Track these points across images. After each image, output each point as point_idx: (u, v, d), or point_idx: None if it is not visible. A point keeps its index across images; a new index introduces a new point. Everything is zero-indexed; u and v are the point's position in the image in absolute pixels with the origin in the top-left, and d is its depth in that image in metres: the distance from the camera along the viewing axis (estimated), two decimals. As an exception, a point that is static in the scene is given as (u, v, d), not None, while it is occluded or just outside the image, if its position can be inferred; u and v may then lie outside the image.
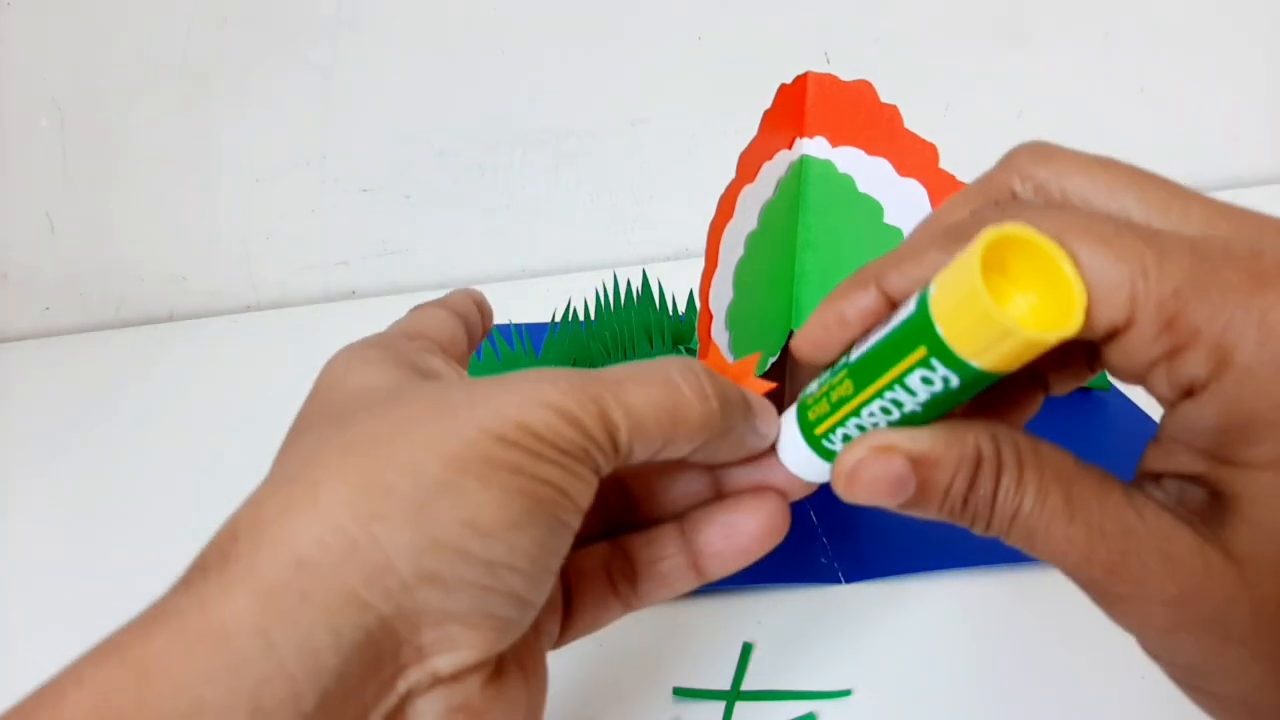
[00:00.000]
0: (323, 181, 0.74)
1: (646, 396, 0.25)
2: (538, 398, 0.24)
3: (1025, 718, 0.37)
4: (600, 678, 0.39)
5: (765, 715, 0.37)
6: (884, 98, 0.42)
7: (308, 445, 0.25)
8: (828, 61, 0.74)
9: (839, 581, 0.43)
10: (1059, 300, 0.21)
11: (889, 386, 0.24)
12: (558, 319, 0.60)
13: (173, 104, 0.70)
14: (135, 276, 0.75)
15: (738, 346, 0.45)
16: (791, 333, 0.49)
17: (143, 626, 0.22)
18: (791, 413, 0.29)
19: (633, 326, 0.59)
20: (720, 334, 0.44)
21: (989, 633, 0.41)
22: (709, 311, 0.43)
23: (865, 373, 0.25)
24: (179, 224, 0.74)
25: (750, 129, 0.39)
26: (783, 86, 0.42)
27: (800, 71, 0.43)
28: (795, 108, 0.43)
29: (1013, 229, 0.21)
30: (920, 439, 0.24)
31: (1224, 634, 0.21)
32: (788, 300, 0.48)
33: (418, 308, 0.35)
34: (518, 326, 0.61)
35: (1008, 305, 0.21)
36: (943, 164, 0.42)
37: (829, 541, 0.45)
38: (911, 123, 0.42)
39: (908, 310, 0.23)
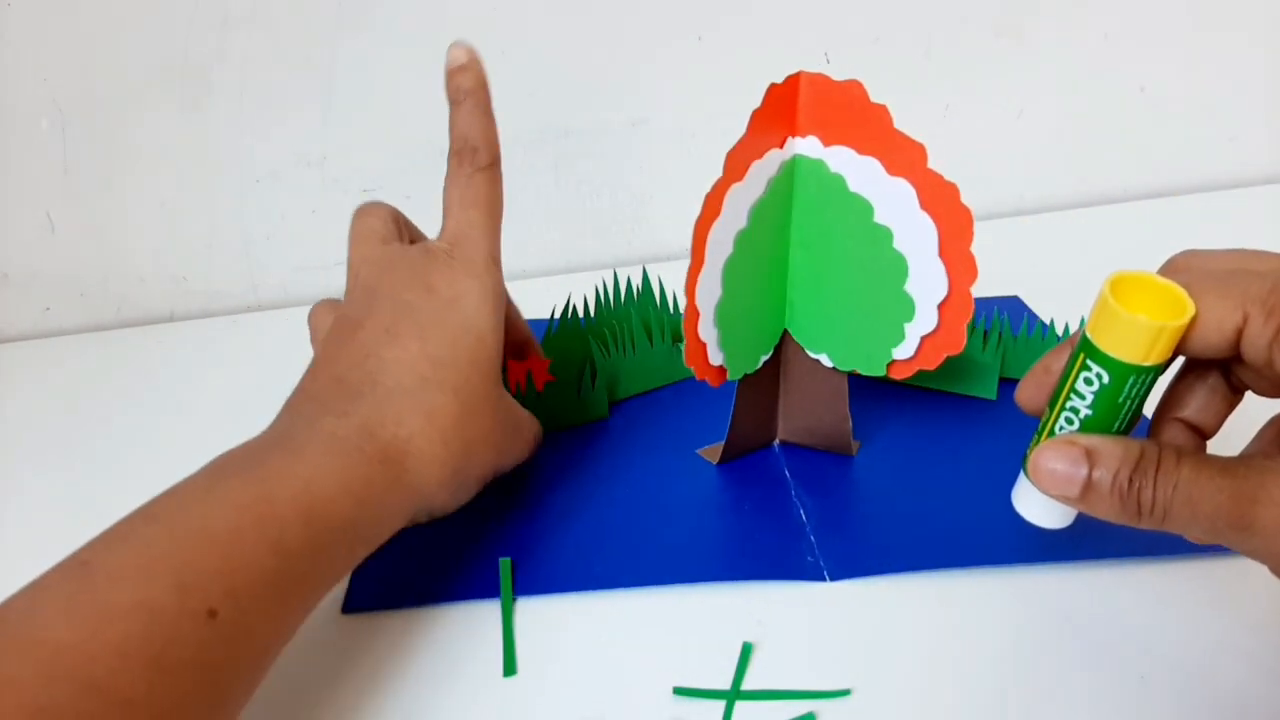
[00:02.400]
0: (323, 182, 0.74)
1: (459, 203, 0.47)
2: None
3: (1025, 718, 0.37)
4: (600, 678, 0.39)
5: (765, 715, 0.37)
6: (883, 97, 0.42)
7: (399, 306, 0.42)
8: (827, 61, 0.74)
9: (823, 579, 0.43)
10: (1176, 309, 0.30)
11: (1068, 396, 0.32)
12: (557, 317, 0.60)
13: (173, 104, 0.70)
14: (136, 277, 0.75)
15: (727, 343, 0.45)
16: (785, 331, 0.49)
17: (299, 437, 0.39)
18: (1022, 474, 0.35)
19: (632, 323, 0.59)
20: (708, 331, 0.44)
21: (987, 633, 0.41)
22: (695, 309, 0.43)
23: (1054, 397, 0.33)
24: (180, 224, 0.74)
25: (750, 129, 0.40)
26: (773, 86, 0.42)
27: (798, 71, 0.43)
28: (787, 107, 0.43)
29: (1133, 272, 0.31)
30: (1094, 438, 0.31)
31: None
32: (780, 299, 0.48)
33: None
34: (516, 325, 0.61)
35: (1135, 313, 0.29)
36: (942, 164, 0.42)
37: (816, 540, 0.45)
38: (911, 123, 0.42)
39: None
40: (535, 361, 0.56)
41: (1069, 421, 0.32)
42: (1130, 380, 0.30)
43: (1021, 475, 0.35)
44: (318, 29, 0.69)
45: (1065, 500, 0.31)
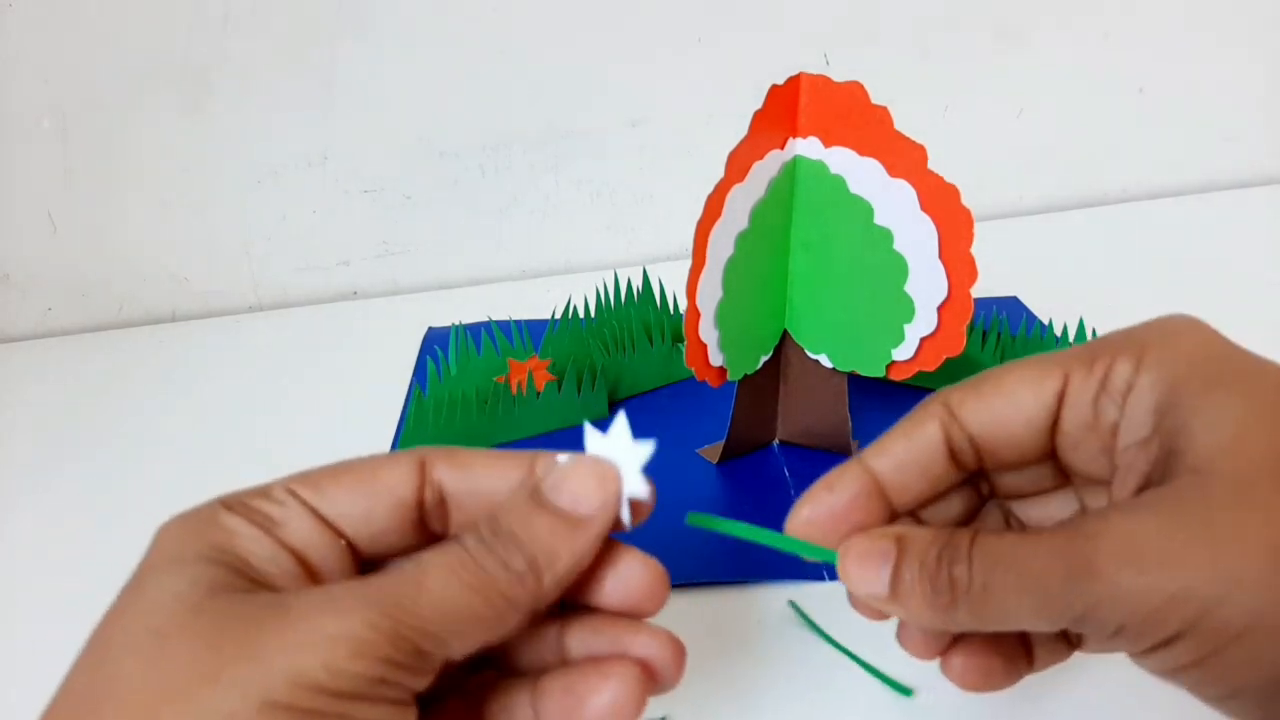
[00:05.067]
0: (324, 182, 0.74)
1: (446, 588, 0.24)
2: (317, 635, 0.22)
3: (1026, 717, 0.37)
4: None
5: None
6: (883, 98, 0.42)
7: (94, 685, 0.23)
8: (827, 62, 0.74)
9: (824, 579, 0.43)
10: None
11: None
12: (558, 317, 0.60)
13: (174, 104, 0.70)
14: (137, 277, 0.76)
15: (728, 344, 0.45)
16: (786, 332, 0.49)
17: None
18: None
19: (632, 324, 0.59)
20: (709, 332, 0.44)
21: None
22: (696, 310, 0.43)
23: None
24: (181, 224, 0.74)
25: (748, 129, 0.40)
26: (774, 87, 0.42)
27: (799, 72, 0.43)
28: (788, 108, 0.43)
29: None
30: (902, 527, 0.28)
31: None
32: (781, 299, 0.48)
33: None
34: (518, 323, 0.61)
35: None
36: (942, 164, 0.42)
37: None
38: (911, 123, 0.42)
39: None
40: (536, 361, 0.56)
41: None
42: None
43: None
44: (318, 29, 0.69)
45: (873, 601, 0.27)
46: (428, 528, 0.28)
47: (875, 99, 0.42)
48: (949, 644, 0.29)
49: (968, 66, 0.79)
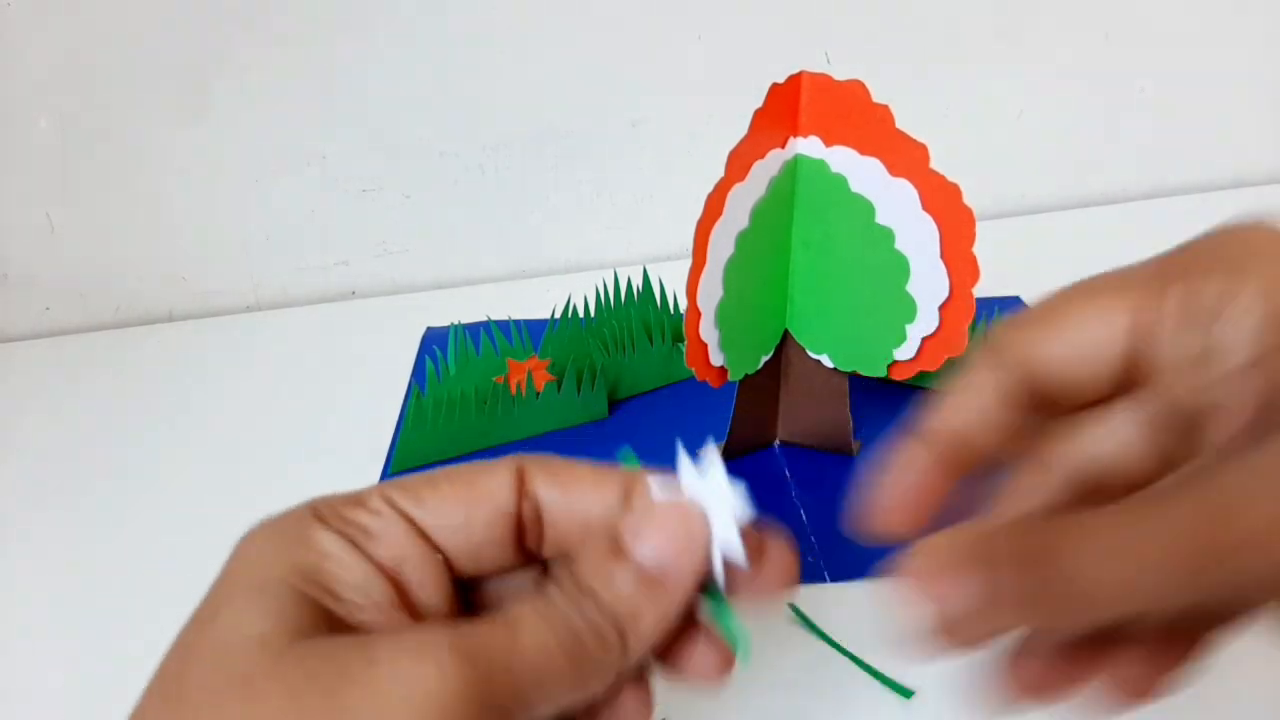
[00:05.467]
0: (323, 182, 0.74)
1: (540, 649, 0.22)
2: (406, 693, 0.20)
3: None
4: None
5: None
6: (884, 97, 0.42)
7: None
8: (828, 61, 0.74)
9: (824, 580, 0.43)
10: None
11: None
12: (557, 317, 0.60)
13: (173, 104, 0.70)
14: (135, 277, 0.75)
15: (728, 344, 0.45)
16: (786, 331, 0.49)
17: None
18: None
19: (632, 324, 0.59)
20: (709, 332, 0.44)
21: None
22: (697, 309, 0.43)
23: None
24: (179, 224, 0.74)
25: (748, 129, 0.40)
26: (775, 86, 0.42)
27: (800, 70, 0.43)
28: (789, 107, 0.43)
29: None
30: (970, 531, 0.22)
31: None
32: (782, 299, 0.48)
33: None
34: (517, 323, 0.61)
35: None
36: (941, 163, 0.42)
37: (816, 540, 0.45)
38: (911, 122, 0.42)
39: None
40: (535, 361, 0.56)
41: None
42: None
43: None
44: (318, 29, 0.69)
45: (959, 626, 0.21)
46: (524, 544, 0.26)
47: (876, 98, 0.42)
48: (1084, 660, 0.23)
49: (969, 66, 0.78)
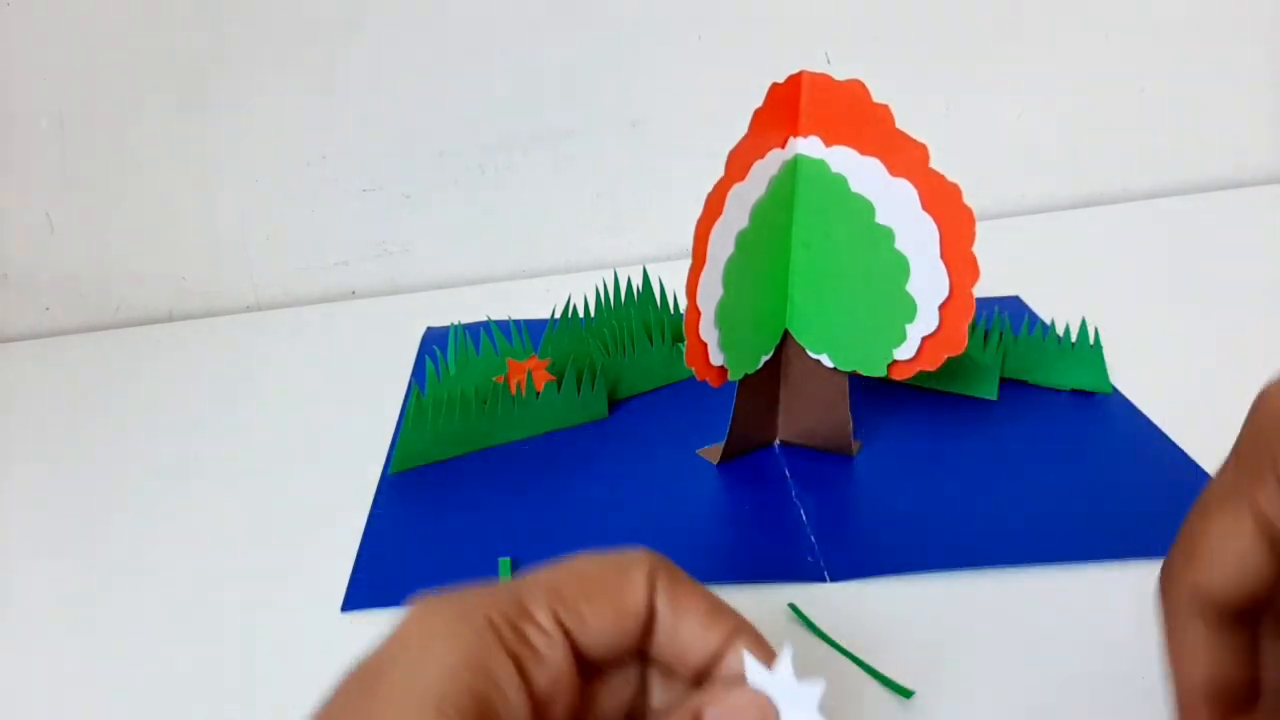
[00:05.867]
0: (323, 181, 0.74)
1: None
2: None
3: (1024, 718, 0.37)
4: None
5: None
6: (884, 97, 0.42)
7: None
8: (828, 61, 0.74)
9: (824, 580, 0.43)
10: None
11: None
12: (557, 317, 0.60)
13: (173, 104, 0.70)
14: (135, 277, 0.75)
15: (728, 344, 0.45)
16: (786, 331, 0.49)
17: None
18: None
19: (632, 324, 0.59)
20: (709, 332, 0.44)
21: (987, 634, 0.41)
22: (697, 309, 0.43)
23: None
24: (179, 224, 0.74)
25: (748, 129, 0.40)
26: (775, 86, 0.42)
27: (800, 70, 0.43)
28: (789, 107, 0.43)
29: None
30: None
31: None
32: (782, 299, 0.48)
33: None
34: (517, 322, 0.61)
35: None
36: (944, 163, 0.42)
37: (816, 540, 0.45)
38: (911, 122, 0.42)
39: None
40: (535, 361, 0.56)
41: None
42: None
43: None
44: (318, 29, 0.69)
45: None
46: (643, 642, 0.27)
47: (876, 98, 0.42)
48: None
49: (969, 65, 0.78)
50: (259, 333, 0.73)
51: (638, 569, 0.26)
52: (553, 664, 0.24)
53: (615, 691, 0.27)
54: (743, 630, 0.26)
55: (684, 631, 0.26)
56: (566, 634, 0.25)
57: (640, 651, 0.27)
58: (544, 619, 0.25)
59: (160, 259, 0.75)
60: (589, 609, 0.25)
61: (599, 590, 0.26)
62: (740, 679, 0.25)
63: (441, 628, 0.24)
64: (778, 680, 0.24)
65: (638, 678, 0.27)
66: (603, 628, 0.25)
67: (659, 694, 0.27)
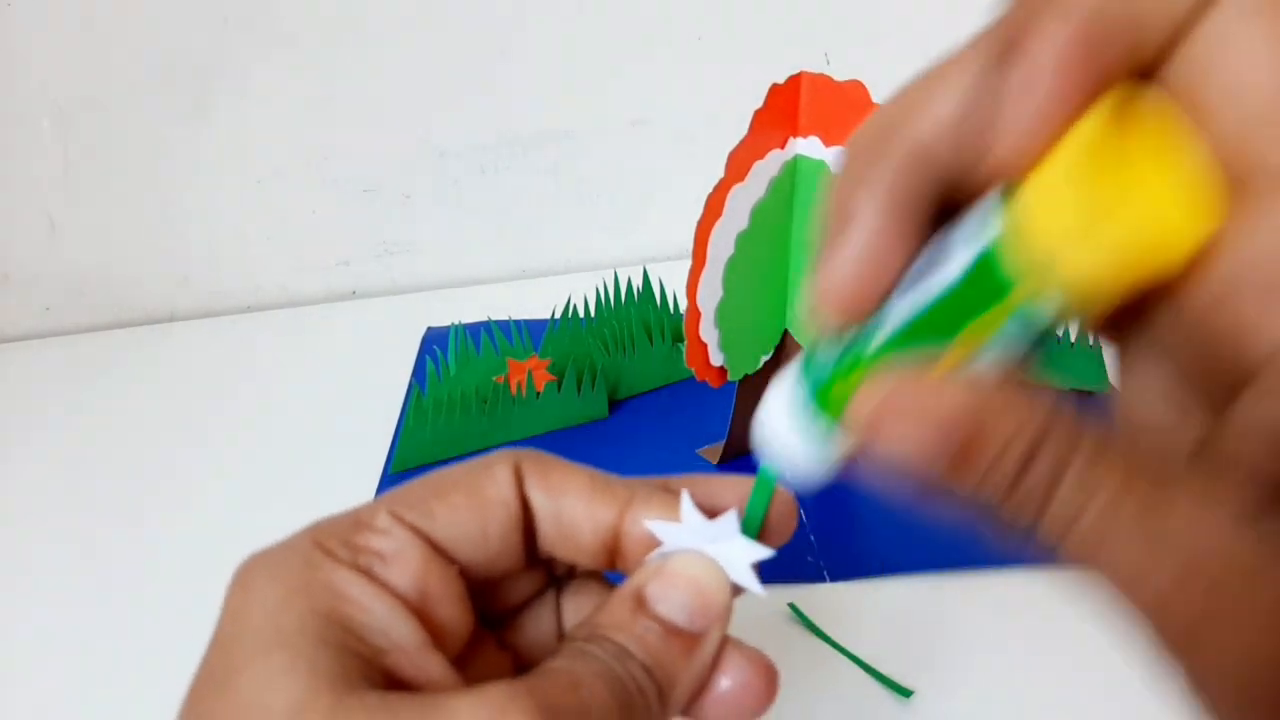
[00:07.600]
0: (323, 182, 0.74)
1: (606, 712, 0.20)
2: None
3: (1023, 718, 0.37)
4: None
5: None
6: (884, 97, 0.42)
7: None
8: (827, 62, 0.74)
9: (824, 580, 0.43)
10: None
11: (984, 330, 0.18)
12: (557, 317, 0.60)
13: (173, 104, 0.70)
14: (136, 277, 0.75)
15: (728, 344, 0.45)
16: (786, 331, 0.49)
17: None
18: (790, 395, 0.21)
19: (632, 324, 0.59)
20: (709, 332, 0.44)
21: (987, 634, 0.41)
22: (697, 309, 0.43)
23: (936, 328, 0.18)
24: (180, 224, 0.74)
25: (748, 129, 0.40)
26: (775, 86, 0.42)
27: (800, 71, 0.43)
28: (789, 107, 0.43)
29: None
30: (978, 384, 0.18)
31: None
32: (782, 299, 0.48)
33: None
34: (517, 322, 0.61)
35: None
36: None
37: (816, 540, 0.45)
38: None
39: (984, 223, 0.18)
40: (535, 361, 0.56)
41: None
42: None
43: (793, 404, 0.21)
44: (318, 29, 0.69)
45: (905, 468, 0.18)
46: (529, 546, 0.24)
47: (876, 98, 0.42)
48: None
49: (968, 66, 0.79)
50: (260, 333, 0.73)
51: (500, 463, 0.24)
52: (406, 561, 0.22)
53: (537, 621, 0.25)
54: (637, 497, 0.24)
55: (566, 512, 0.24)
56: (416, 532, 0.22)
57: (549, 573, 0.25)
58: (381, 521, 0.22)
59: (161, 259, 0.75)
60: (438, 504, 0.23)
61: (450, 486, 0.24)
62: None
63: (265, 575, 0.21)
64: (691, 529, 0.23)
65: (555, 606, 0.26)
66: (455, 519, 0.23)
67: (578, 614, 0.25)
